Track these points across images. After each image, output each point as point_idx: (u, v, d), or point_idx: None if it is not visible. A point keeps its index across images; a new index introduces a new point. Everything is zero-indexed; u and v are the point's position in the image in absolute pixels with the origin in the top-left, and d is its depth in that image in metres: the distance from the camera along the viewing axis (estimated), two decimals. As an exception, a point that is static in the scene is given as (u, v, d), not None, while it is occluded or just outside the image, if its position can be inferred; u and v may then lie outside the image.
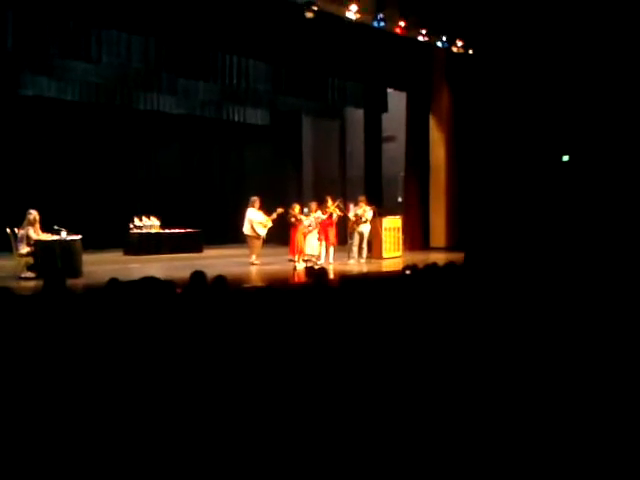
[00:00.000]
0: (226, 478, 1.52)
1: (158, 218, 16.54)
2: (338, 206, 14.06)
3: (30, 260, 10.78)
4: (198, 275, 5.71)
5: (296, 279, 11.25)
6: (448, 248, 16.44)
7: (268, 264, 13.48)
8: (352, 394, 1.49)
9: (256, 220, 13.58)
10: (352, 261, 14.01)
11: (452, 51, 15.33)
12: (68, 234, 11.37)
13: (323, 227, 13.60)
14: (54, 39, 11.15)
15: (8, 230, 11.25)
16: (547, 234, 14.17)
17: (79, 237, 11.45)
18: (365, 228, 14.18)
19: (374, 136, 17.88)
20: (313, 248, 13.31)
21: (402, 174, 17.72)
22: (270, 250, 15.04)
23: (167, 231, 16.47)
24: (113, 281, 3.84)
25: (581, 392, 1.00)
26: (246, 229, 13.69)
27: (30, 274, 10.59)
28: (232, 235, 16.96)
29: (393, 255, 14.79)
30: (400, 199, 17.96)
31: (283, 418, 1.74)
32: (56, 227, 11.42)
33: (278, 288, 6.18)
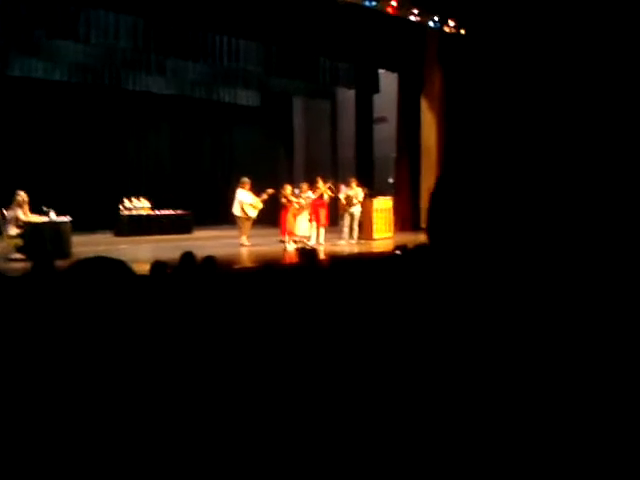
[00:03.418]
0: (213, 467, 1.52)
1: (148, 199, 16.49)
2: (329, 187, 14.03)
3: (19, 242, 10.73)
4: (188, 256, 5.71)
5: (286, 260, 11.24)
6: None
7: (258, 245, 13.46)
8: (342, 375, 1.48)
9: (246, 202, 13.54)
10: (343, 242, 14.01)
11: (444, 31, 15.24)
12: (57, 215, 11.30)
13: (314, 208, 13.57)
14: (41, 19, 11.01)
15: (-4, 211, 11.18)
16: (537, 220, 14.15)
17: (68, 219, 11.39)
18: (356, 209, 14.16)
19: (365, 117, 17.80)
20: (304, 229, 13.30)
21: (393, 155, 17.68)
22: (260, 231, 15.02)
23: (157, 213, 16.42)
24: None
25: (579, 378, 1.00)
26: (236, 210, 13.64)
27: (19, 256, 10.54)
28: (222, 216, 16.93)
29: (384, 236, 14.80)
30: (391, 180, 17.94)
31: (272, 402, 1.73)
32: (44, 208, 11.35)
33: (273, 268, 6.18)
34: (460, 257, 1.17)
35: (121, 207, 15.93)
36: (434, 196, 1.19)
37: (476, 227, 1.14)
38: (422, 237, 13.76)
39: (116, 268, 1.88)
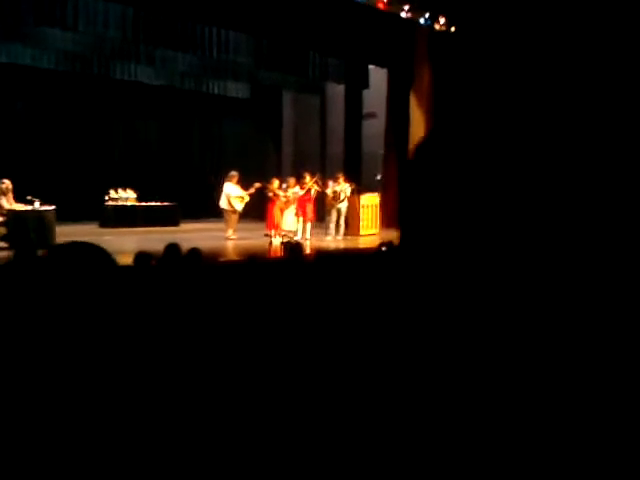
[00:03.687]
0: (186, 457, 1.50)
1: (134, 191, 16.37)
2: (316, 182, 14.02)
3: (2, 230, 10.64)
4: (172, 248, 5.67)
5: (272, 254, 11.22)
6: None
7: (244, 239, 13.43)
8: (325, 367, 1.48)
9: (233, 194, 13.51)
10: (329, 237, 14.01)
11: (434, 29, 15.23)
12: (42, 205, 11.21)
13: (301, 203, 13.55)
14: (28, 5, 10.87)
15: (-20, 200, 11.07)
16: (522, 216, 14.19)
17: (53, 208, 11.30)
18: (343, 205, 14.17)
19: (355, 112, 17.77)
20: (290, 224, 13.29)
21: (382, 152, 17.66)
22: (247, 225, 14.98)
23: (143, 204, 16.29)
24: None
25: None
26: (223, 203, 13.61)
27: (2, 244, 10.45)
28: (210, 209, 16.85)
29: (370, 232, 14.82)
30: (379, 176, 17.91)
31: (257, 393, 1.72)
32: (29, 197, 11.26)
33: (257, 261, 6.16)
34: (430, 253, 1.16)
35: (107, 198, 15.80)
36: (406, 192, 1.18)
37: (450, 224, 1.13)
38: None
39: (93, 253, 1.85)
